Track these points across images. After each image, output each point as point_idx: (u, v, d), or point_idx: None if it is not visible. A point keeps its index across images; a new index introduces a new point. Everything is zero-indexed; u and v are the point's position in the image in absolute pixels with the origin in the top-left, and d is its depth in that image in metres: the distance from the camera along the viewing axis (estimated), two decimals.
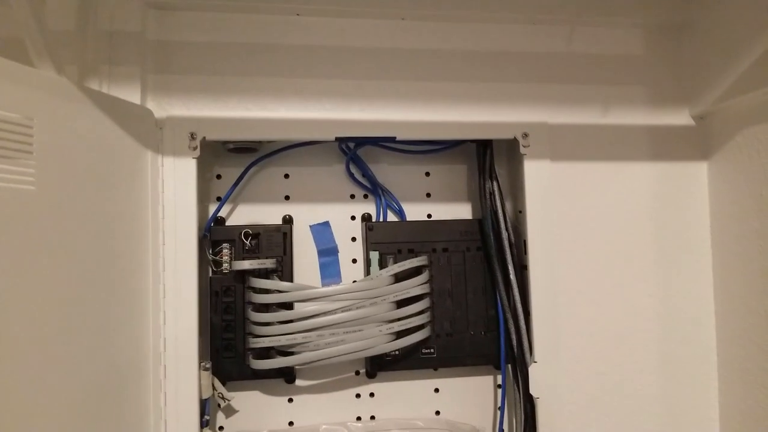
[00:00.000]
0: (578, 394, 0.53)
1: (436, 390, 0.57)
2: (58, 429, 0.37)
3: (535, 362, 0.51)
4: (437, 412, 0.56)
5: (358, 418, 0.55)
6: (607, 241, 0.55)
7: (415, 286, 0.51)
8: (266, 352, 0.50)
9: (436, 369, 0.57)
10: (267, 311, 0.50)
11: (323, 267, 0.56)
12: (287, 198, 0.56)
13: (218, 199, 0.54)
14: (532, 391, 0.51)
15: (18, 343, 0.34)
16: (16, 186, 0.35)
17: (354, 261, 0.56)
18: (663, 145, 0.57)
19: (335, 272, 0.56)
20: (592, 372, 0.54)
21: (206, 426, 0.49)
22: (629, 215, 0.56)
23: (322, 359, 0.48)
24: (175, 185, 0.48)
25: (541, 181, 0.53)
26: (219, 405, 0.52)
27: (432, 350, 0.54)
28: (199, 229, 0.50)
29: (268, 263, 0.50)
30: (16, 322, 0.34)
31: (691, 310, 0.56)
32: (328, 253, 0.56)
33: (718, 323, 0.56)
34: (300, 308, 0.49)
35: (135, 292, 0.45)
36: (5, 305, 0.33)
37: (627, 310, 0.55)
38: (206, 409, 0.49)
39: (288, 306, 0.50)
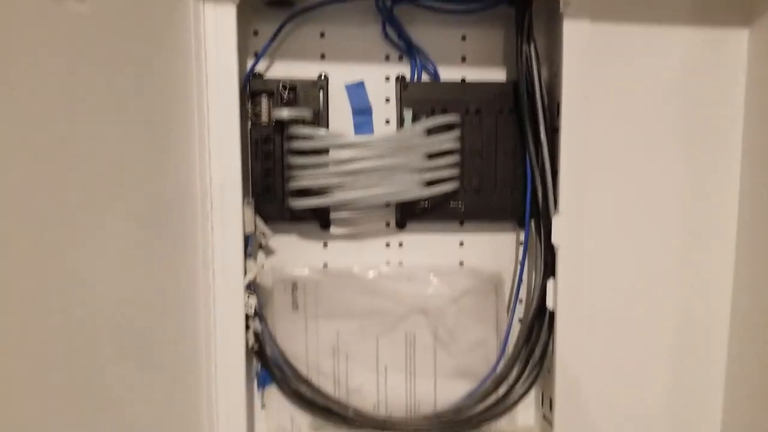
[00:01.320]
0: (599, 245, 0.56)
1: (461, 243, 0.60)
2: (116, 251, 0.41)
3: (558, 213, 0.54)
4: (461, 263, 0.60)
5: (387, 264, 0.59)
6: (641, 106, 0.56)
7: (446, 141, 0.53)
8: (304, 195, 0.54)
9: (462, 223, 0.60)
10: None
11: (357, 126, 0.58)
12: (323, 57, 0.57)
13: (256, 54, 0.56)
14: (554, 239, 0.54)
15: (77, 169, 0.37)
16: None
17: (387, 122, 0.58)
18: (706, 10, 0.56)
19: (369, 132, 0.58)
20: (614, 226, 0.56)
21: (250, 257, 0.53)
22: (664, 82, 0.56)
23: (356, 200, 0.51)
24: (216, 32, 0.50)
25: (580, 42, 0.53)
26: (261, 243, 0.56)
27: (459, 203, 0.57)
28: (241, 82, 0.53)
29: (306, 113, 0.53)
30: (72, 146, 0.37)
31: (715, 180, 0.57)
32: (362, 112, 0.58)
33: (741, 190, 0.57)
34: (335, 155, 0.52)
35: (182, 131, 0.48)
36: (65, 121, 0.36)
37: (653, 172, 0.57)
38: (249, 243, 0.54)
39: (324, 153, 0.53)
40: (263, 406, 0.61)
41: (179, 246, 0.49)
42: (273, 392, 0.60)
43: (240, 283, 0.53)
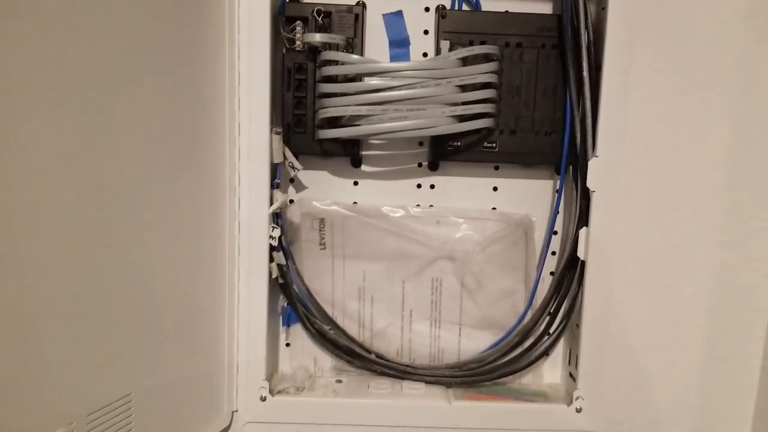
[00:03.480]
0: (636, 194, 0.54)
1: (495, 189, 0.59)
2: (143, 168, 0.42)
3: (596, 157, 0.52)
4: (493, 209, 0.59)
5: (417, 206, 0.59)
6: (689, 50, 0.53)
7: (481, 73, 0.51)
8: (333, 126, 0.53)
9: (497, 168, 0.59)
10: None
11: (393, 58, 0.57)
12: None
13: None
14: (589, 184, 0.52)
15: (112, 91, 0.38)
16: None
17: (425, 55, 0.57)
18: None
19: None
20: (654, 175, 0.54)
21: (277, 187, 0.54)
22: (718, 24, 0.53)
23: (384, 132, 0.51)
24: None
25: None
26: (291, 177, 0.57)
27: (494, 145, 0.55)
28: (275, 6, 0.52)
29: (339, 39, 0.52)
30: (106, 70, 0.38)
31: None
32: (399, 44, 0.57)
33: None
34: (365, 83, 0.51)
35: (211, 51, 0.49)
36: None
37: (699, 119, 0.54)
38: (277, 174, 0.54)
39: (355, 82, 0.52)
40: (287, 344, 0.62)
41: (206, 169, 0.50)
42: (298, 331, 0.61)
43: (265, 212, 0.53)
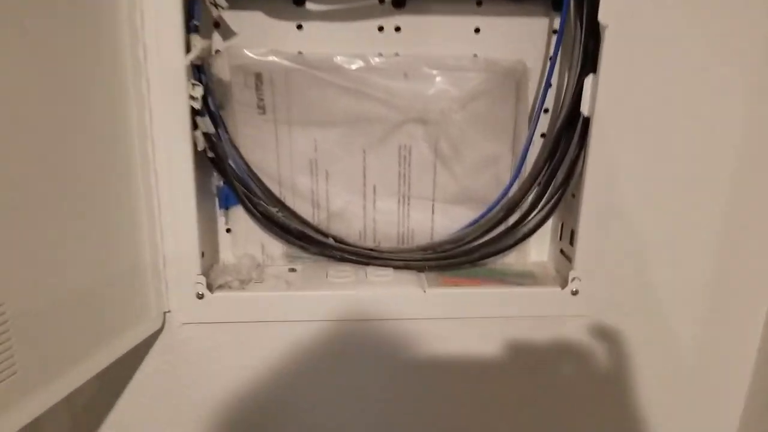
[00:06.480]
0: (660, 33, 0.45)
1: (477, 30, 0.50)
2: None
3: None
4: (475, 56, 0.50)
5: (380, 54, 0.49)
6: None
7: None
8: None
9: (479, 4, 0.49)
10: None
11: None
12: None
13: None
14: (601, 17, 0.43)
15: None
16: None
17: None
18: None
19: None
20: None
21: (195, 31, 0.43)
22: None
23: None
24: None
25: None
26: (214, 21, 0.47)
27: None
28: None
29: None
30: None
31: None
32: None
33: None
34: None
35: None
36: None
37: None
38: (194, 12, 0.43)
39: None
40: (228, 229, 0.55)
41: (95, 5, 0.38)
42: (239, 214, 0.54)
43: (180, 62, 0.43)
